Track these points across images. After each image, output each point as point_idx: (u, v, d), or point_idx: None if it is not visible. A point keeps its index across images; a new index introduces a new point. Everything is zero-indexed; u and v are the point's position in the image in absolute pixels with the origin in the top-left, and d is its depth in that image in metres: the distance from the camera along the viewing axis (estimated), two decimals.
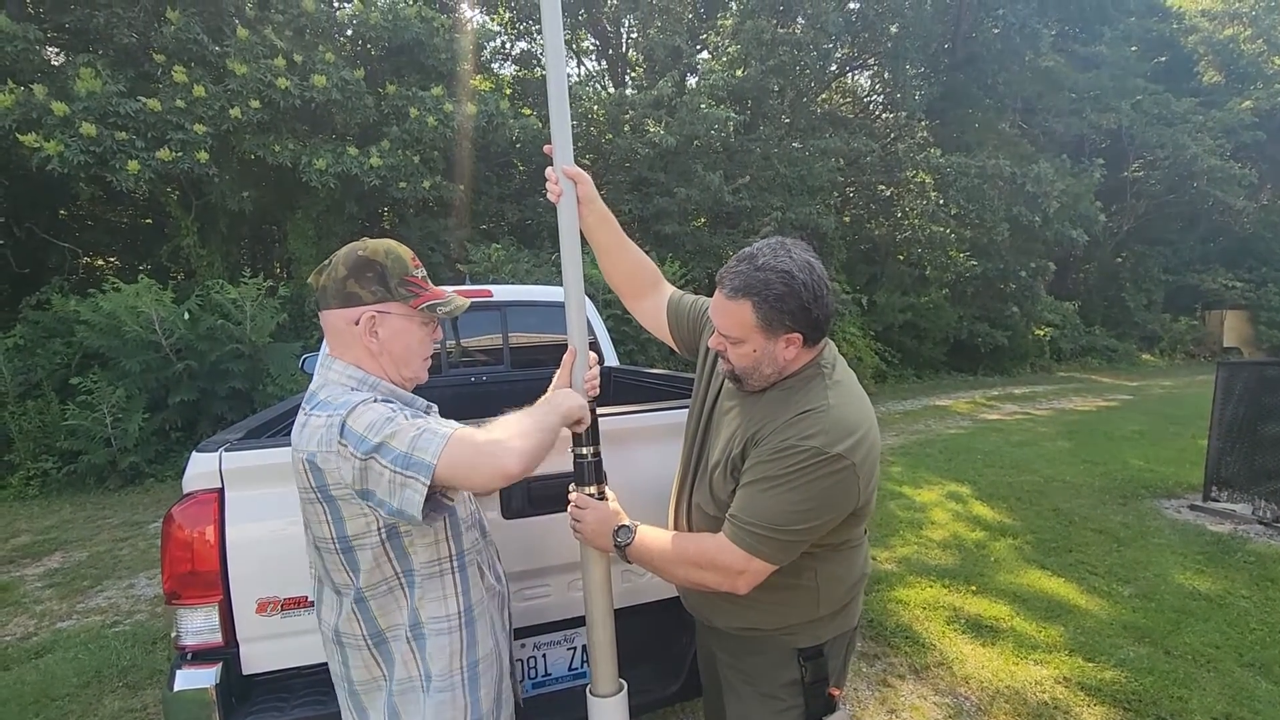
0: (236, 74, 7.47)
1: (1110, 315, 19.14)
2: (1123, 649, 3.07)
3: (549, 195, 1.46)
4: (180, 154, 7.25)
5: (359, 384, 1.20)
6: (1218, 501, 5.12)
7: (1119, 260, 19.88)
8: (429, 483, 1.04)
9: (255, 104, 7.54)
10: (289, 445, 1.18)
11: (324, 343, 1.32)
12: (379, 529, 1.14)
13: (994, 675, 2.89)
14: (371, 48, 9.33)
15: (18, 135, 6.67)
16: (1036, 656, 3.04)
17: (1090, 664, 2.96)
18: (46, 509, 5.97)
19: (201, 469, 1.52)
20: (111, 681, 3.00)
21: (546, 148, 1.45)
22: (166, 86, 7.44)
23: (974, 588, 3.76)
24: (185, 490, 1.53)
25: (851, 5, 13.94)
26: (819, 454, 1.19)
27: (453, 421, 1.15)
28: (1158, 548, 4.34)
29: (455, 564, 1.25)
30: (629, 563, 1.37)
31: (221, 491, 1.52)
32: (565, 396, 1.33)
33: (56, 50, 8.48)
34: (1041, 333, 16.50)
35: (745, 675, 1.44)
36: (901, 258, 15.25)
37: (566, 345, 1.45)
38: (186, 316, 6.76)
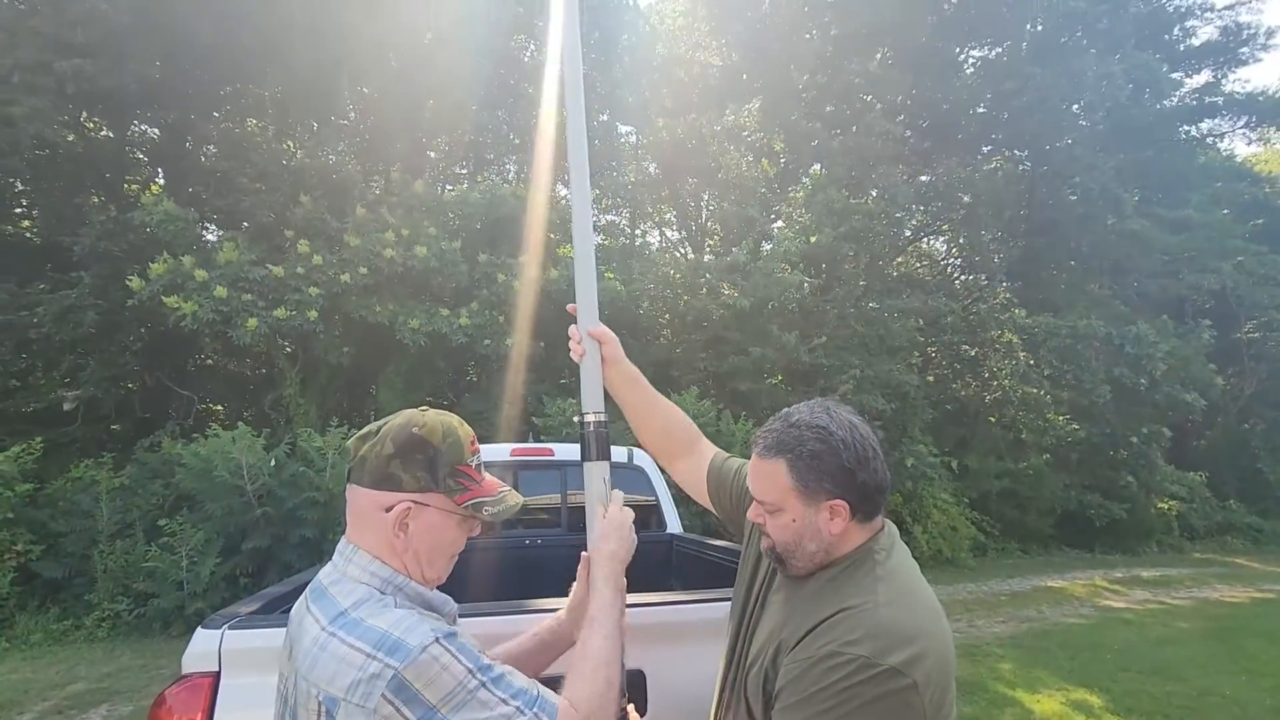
0: (350, 245, 8.38)
1: (1246, 488, 16.97)
2: None
3: (572, 355, 1.40)
4: (294, 313, 8.01)
5: (384, 584, 1.02)
6: None
7: (1246, 426, 18.01)
8: None
9: (364, 270, 8.36)
10: None
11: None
12: None
13: None
14: (472, 221, 10.35)
15: (164, 298, 7.60)
16: None
17: None
18: (109, 654, 5.98)
19: (201, 648, 1.40)
20: None
21: (570, 307, 1.41)
22: (291, 257, 8.42)
23: None
24: (183, 670, 1.41)
25: (923, 179, 14.52)
26: (867, 666, 0.95)
27: (546, 695, 0.97)
28: None
29: None
30: None
31: (218, 675, 1.39)
32: (609, 556, 1.24)
33: (211, 229, 9.90)
34: (1165, 506, 14.73)
35: None
36: (993, 419, 14.41)
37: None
38: (273, 463, 7.06)
